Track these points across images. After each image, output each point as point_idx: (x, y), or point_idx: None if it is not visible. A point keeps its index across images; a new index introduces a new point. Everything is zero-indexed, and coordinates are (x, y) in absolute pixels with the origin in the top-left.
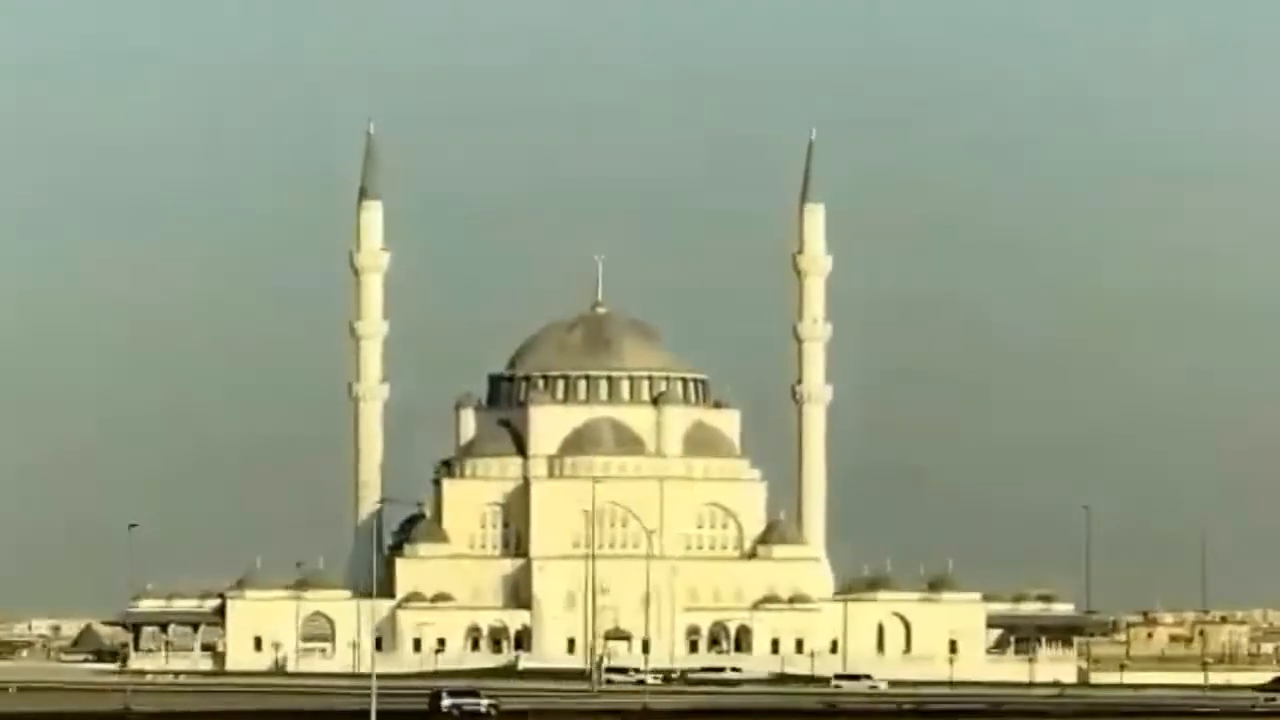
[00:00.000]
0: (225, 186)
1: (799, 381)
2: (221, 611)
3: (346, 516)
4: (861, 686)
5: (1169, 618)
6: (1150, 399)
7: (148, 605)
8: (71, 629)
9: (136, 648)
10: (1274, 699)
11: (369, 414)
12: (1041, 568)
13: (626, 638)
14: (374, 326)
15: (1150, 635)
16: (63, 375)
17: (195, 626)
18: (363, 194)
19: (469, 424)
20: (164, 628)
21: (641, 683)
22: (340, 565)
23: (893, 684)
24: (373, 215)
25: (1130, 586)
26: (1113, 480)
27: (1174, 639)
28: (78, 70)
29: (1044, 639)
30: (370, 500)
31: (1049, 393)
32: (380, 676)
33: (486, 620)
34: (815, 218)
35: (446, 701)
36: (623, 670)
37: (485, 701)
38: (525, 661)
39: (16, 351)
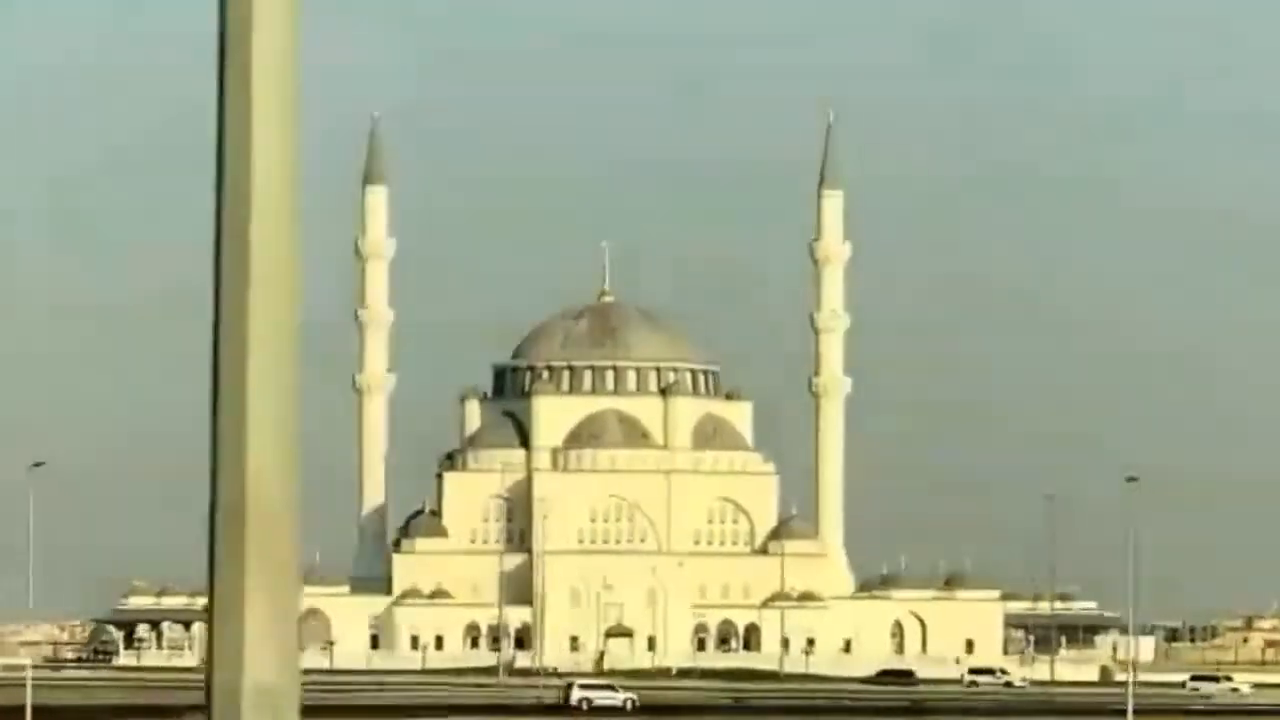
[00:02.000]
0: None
1: (816, 373)
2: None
3: (348, 511)
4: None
5: (1268, 623)
6: (1206, 386)
7: (137, 602)
8: None
9: (129, 645)
10: (1198, 689)
11: (373, 406)
12: (1066, 565)
13: (629, 634)
14: (379, 315)
15: (1246, 640)
16: (58, 361)
17: (188, 624)
18: (367, 179)
19: (474, 416)
20: (154, 625)
21: (1009, 685)
22: (335, 561)
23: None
24: (377, 200)
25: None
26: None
27: (1270, 644)
28: (79, 53)
29: (1064, 639)
30: (375, 495)
31: (1081, 385)
32: (383, 673)
33: (485, 617)
34: (833, 204)
35: (576, 694)
36: (987, 671)
37: (622, 695)
38: (521, 661)
39: (8, 339)
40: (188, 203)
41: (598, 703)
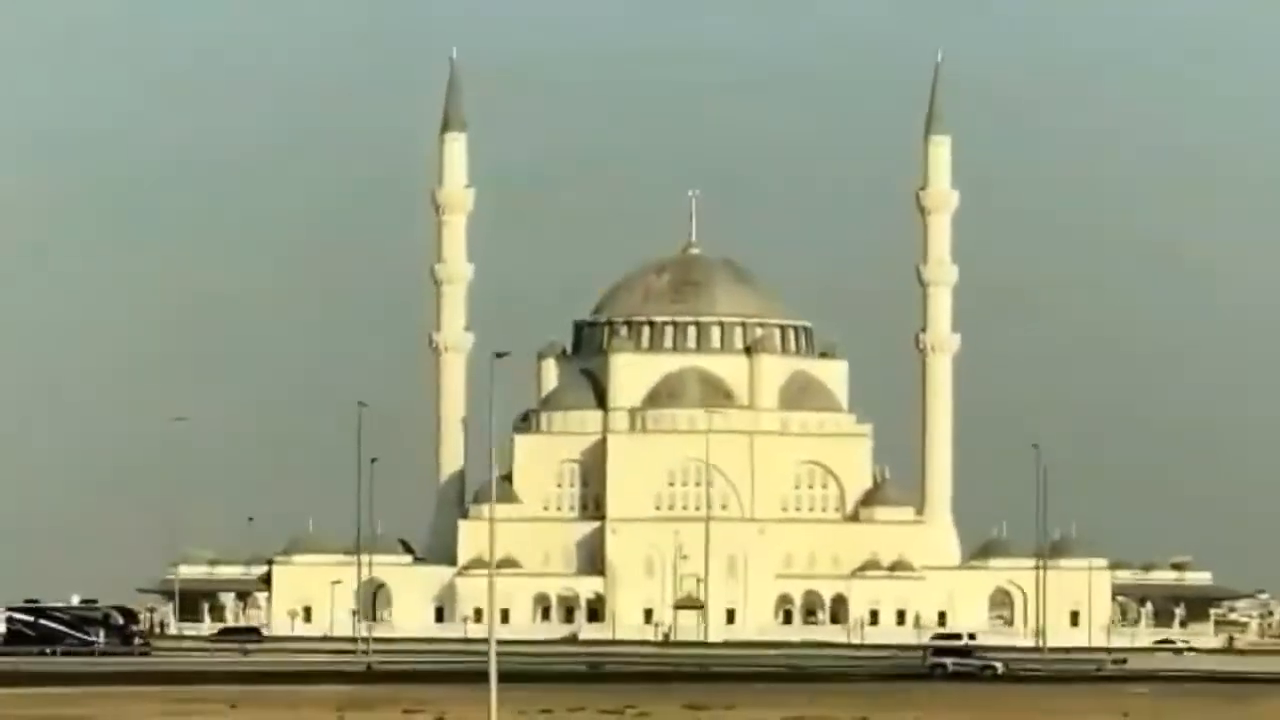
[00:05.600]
0: (299, 118)
1: (924, 329)
2: (268, 579)
3: (425, 477)
4: None
5: None
6: None
7: (188, 571)
8: None
9: (180, 616)
10: (1124, 661)
11: (451, 366)
12: (1175, 534)
13: (699, 607)
14: (457, 270)
15: None
16: (119, 325)
17: (243, 595)
18: (445, 126)
19: (551, 375)
20: (207, 595)
21: None
22: (410, 530)
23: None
24: (456, 149)
25: None
26: None
27: None
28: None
29: (1177, 609)
30: (453, 461)
31: (1189, 345)
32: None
33: (554, 588)
34: (941, 150)
35: (931, 660)
36: None
37: (980, 662)
38: (587, 633)
39: (63, 303)
40: None
41: (952, 669)
